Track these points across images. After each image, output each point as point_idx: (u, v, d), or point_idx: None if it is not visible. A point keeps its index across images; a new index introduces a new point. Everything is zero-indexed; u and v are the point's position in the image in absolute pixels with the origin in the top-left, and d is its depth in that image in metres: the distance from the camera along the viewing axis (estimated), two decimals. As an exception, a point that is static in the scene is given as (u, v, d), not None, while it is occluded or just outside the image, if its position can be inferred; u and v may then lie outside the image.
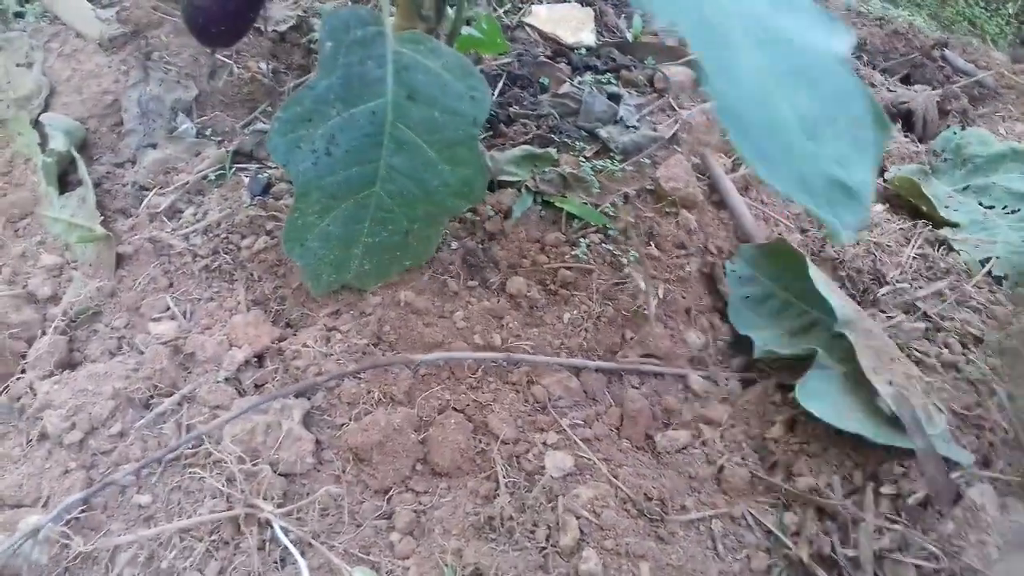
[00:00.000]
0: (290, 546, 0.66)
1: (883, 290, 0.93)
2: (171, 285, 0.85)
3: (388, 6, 0.78)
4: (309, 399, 0.75)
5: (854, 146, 0.49)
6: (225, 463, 0.71)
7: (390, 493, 0.71)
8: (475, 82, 0.75)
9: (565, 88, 1.04)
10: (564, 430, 0.76)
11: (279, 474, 0.71)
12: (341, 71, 0.71)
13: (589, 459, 0.74)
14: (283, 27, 1.09)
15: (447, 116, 0.75)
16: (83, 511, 0.69)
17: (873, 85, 1.41)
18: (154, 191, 0.93)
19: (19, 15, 1.14)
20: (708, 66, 0.44)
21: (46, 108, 0.99)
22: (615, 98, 1.01)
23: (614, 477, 0.72)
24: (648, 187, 0.93)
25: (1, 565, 0.64)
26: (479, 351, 0.79)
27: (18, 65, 1.03)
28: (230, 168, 0.94)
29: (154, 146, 0.97)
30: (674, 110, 1.05)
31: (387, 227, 0.77)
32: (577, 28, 1.22)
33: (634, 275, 0.85)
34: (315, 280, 0.79)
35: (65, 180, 0.94)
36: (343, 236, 0.76)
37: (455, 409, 0.76)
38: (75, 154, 0.93)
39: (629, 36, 1.25)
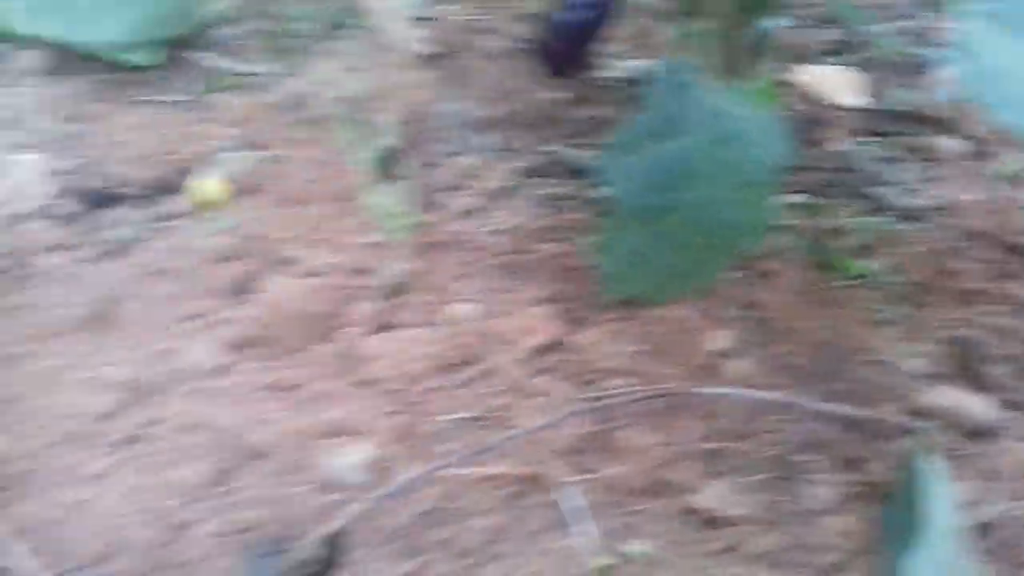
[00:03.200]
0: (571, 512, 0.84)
1: None
2: (471, 275, 1.07)
3: (708, 61, 0.97)
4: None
5: None
6: (519, 432, 0.90)
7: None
8: (776, 133, 0.93)
9: (837, 146, 1.20)
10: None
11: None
12: (661, 112, 0.91)
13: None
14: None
15: (747, 161, 0.92)
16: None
17: None
18: (458, 192, 1.16)
19: (339, 26, 1.44)
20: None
21: (367, 111, 1.26)
22: (890, 160, 1.16)
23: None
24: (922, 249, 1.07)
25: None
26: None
27: (345, 70, 1.31)
28: (525, 182, 1.16)
29: (458, 154, 1.20)
30: (949, 180, 1.19)
31: (679, 252, 0.94)
32: (847, 90, 1.38)
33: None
34: (609, 288, 0.98)
35: (385, 174, 1.19)
36: (641, 253, 0.94)
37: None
38: (396, 151, 1.18)
39: (906, 104, 1.38)
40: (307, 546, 0.79)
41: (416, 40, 1.31)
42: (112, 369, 0.98)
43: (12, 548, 0.84)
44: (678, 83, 0.89)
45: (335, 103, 1.27)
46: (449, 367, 0.96)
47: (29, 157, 1.24)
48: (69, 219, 1.18)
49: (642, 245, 0.93)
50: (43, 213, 1.19)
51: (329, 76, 1.32)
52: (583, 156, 1.18)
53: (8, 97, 1.35)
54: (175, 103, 1.38)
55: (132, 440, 0.92)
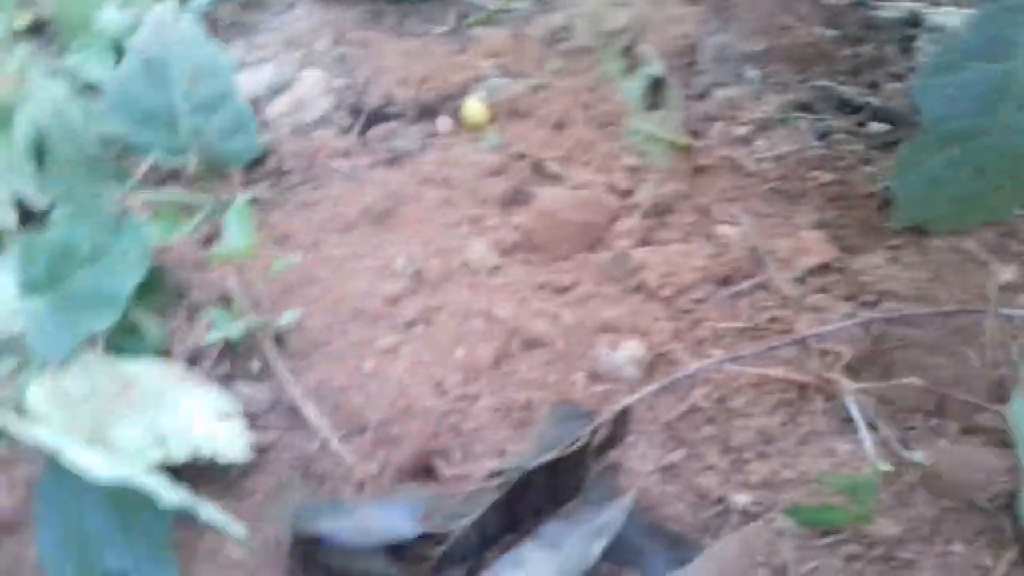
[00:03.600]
0: (858, 418, 0.85)
1: None
2: (739, 198, 1.09)
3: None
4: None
5: None
6: (797, 339, 0.92)
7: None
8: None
9: None
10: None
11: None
12: (986, 29, 0.89)
13: None
14: (844, 1, 1.31)
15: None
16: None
17: None
18: (723, 122, 1.18)
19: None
20: None
21: (633, 43, 1.30)
22: None
23: None
24: None
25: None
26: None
27: (612, 4, 1.36)
28: (794, 115, 1.17)
29: (724, 86, 1.23)
30: None
31: (982, 179, 0.92)
32: None
33: None
34: (901, 212, 0.97)
35: (649, 102, 1.23)
36: (939, 178, 0.93)
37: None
38: (661, 81, 1.22)
39: None
40: (600, 420, 0.83)
41: (678, -24, 1.34)
42: (397, 260, 1.07)
43: (306, 409, 0.94)
44: (1009, 4, 0.87)
45: (596, 35, 1.32)
46: (721, 280, 0.98)
47: (311, 73, 1.35)
48: (347, 130, 1.28)
49: (944, 169, 0.92)
50: (324, 123, 1.30)
51: (588, 9, 1.37)
52: (855, 92, 1.17)
53: (288, 20, 1.48)
54: (438, 34, 1.47)
55: (417, 322, 1.00)
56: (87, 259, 0.89)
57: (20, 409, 0.89)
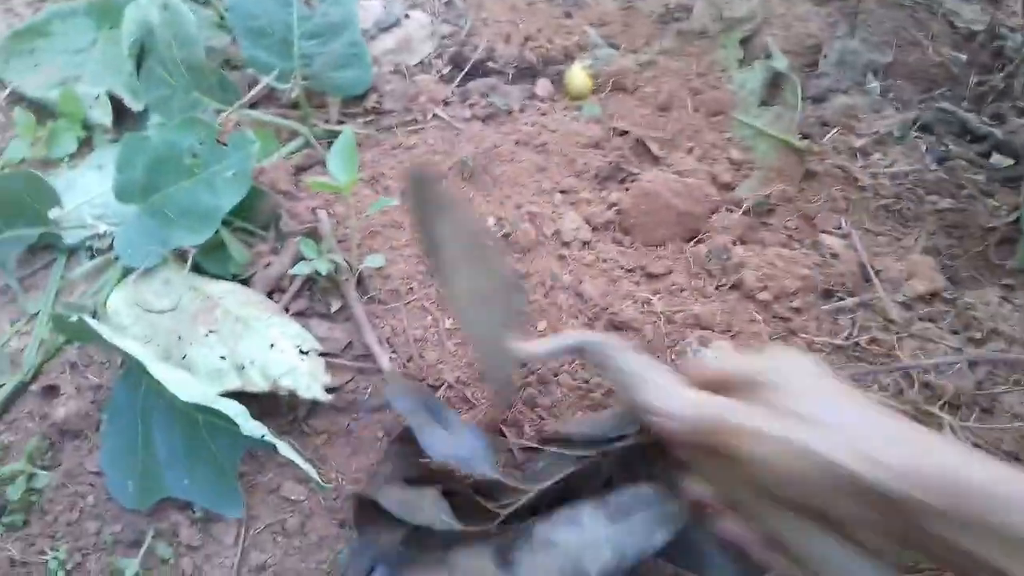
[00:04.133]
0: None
1: None
2: (848, 210, 1.05)
3: None
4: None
5: None
6: (900, 367, 0.88)
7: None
8: None
9: None
10: None
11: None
12: None
13: None
14: (977, 27, 1.25)
15: None
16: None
17: None
18: (838, 129, 1.14)
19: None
20: None
21: (754, 33, 1.25)
22: None
23: None
24: None
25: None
26: None
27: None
28: (914, 133, 1.12)
29: (843, 92, 1.18)
30: None
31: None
32: None
33: None
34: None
35: (765, 97, 1.18)
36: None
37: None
38: (785, 75, 1.17)
39: None
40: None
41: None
42: (487, 220, 1.04)
43: (381, 358, 0.91)
44: None
45: (714, 19, 1.27)
46: (822, 292, 0.95)
47: (418, 16, 1.32)
48: (447, 79, 1.25)
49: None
50: (425, 68, 1.27)
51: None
52: (979, 121, 1.12)
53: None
54: (548, -6, 1.43)
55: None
56: (187, 170, 0.86)
57: (99, 313, 0.87)
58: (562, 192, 1.08)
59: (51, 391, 0.86)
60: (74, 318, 0.73)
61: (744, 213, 1.04)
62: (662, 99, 1.18)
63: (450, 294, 0.77)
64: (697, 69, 1.23)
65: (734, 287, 0.96)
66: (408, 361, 0.91)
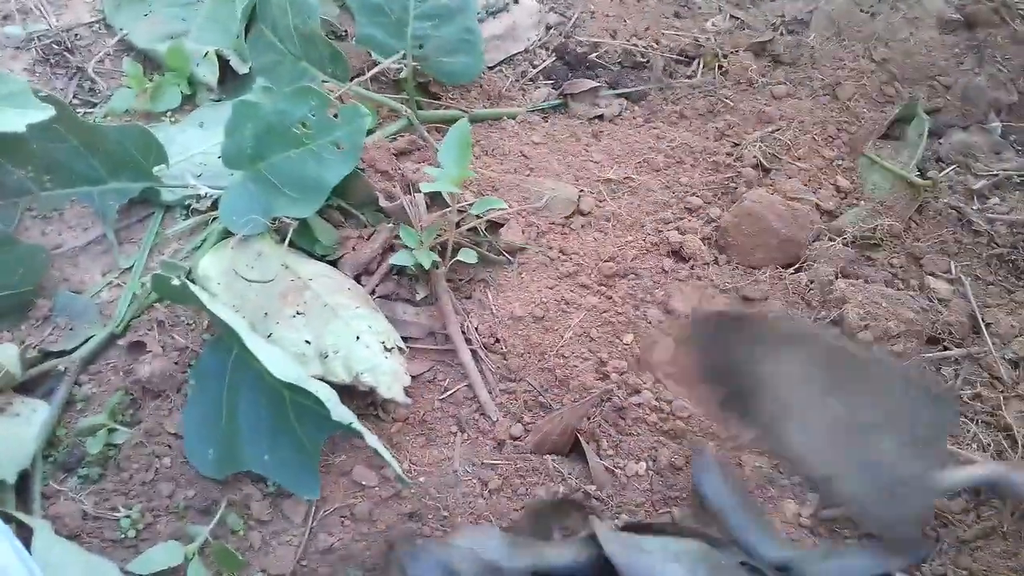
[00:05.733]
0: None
1: None
2: (959, 255, 1.01)
3: None
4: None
5: None
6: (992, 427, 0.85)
7: None
8: None
9: None
10: None
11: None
12: None
13: None
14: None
15: None
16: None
17: None
18: (955, 168, 1.10)
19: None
20: None
21: (872, 55, 1.21)
22: None
23: None
24: None
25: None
26: None
27: (859, 7, 1.26)
28: (1031, 178, 1.07)
29: (963, 130, 1.13)
30: None
31: None
32: None
33: None
34: None
35: (887, 129, 1.13)
36: None
37: None
38: (919, 110, 1.12)
39: None
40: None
41: (944, 2, 1.24)
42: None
43: (462, 352, 0.90)
44: None
45: (834, 36, 1.23)
46: (927, 338, 0.92)
47: (528, 2, 1.29)
48: (548, 72, 1.23)
49: None
50: (530, 56, 1.25)
51: (832, 6, 1.28)
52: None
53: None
54: (661, -8, 1.40)
55: (593, 291, 0.96)
56: (296, 140, 0.86)
57: (192, 275, 0.87)
58: (665, 201, 1.05)
59: (138, 347, 0.86)
60: (176, 280, 0.73)
61: (847, 244, 1.01)
62: (776, 117, 1.15)
63: (779, 445, 0.69)
64: (812, 87, 1.19)
65: (834, 322, 0.93)
66: (491, 356, 0.90)
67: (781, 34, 1.26)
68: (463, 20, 1.01)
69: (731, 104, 1.18)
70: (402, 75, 1.05)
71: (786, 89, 1.19)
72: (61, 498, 0.77)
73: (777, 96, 1.18)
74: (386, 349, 0.81)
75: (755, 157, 1.10)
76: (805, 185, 1.08)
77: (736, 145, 1.11)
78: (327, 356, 0.80)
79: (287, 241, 0.89)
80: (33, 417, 0.76)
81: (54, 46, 1.10)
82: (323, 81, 1.00)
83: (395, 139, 1.02)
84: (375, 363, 0.79)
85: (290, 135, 0.86)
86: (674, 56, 1.26)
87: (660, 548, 0.67)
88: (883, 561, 0.62)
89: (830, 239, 1.02)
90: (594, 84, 1.19)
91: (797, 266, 1.00)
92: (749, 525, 0.67)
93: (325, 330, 0.81)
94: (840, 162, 1.11)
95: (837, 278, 0.97)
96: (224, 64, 1.07)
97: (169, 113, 1.07)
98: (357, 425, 0.70)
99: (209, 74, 1.06)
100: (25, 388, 0.82)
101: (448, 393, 0.89)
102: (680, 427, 0.87)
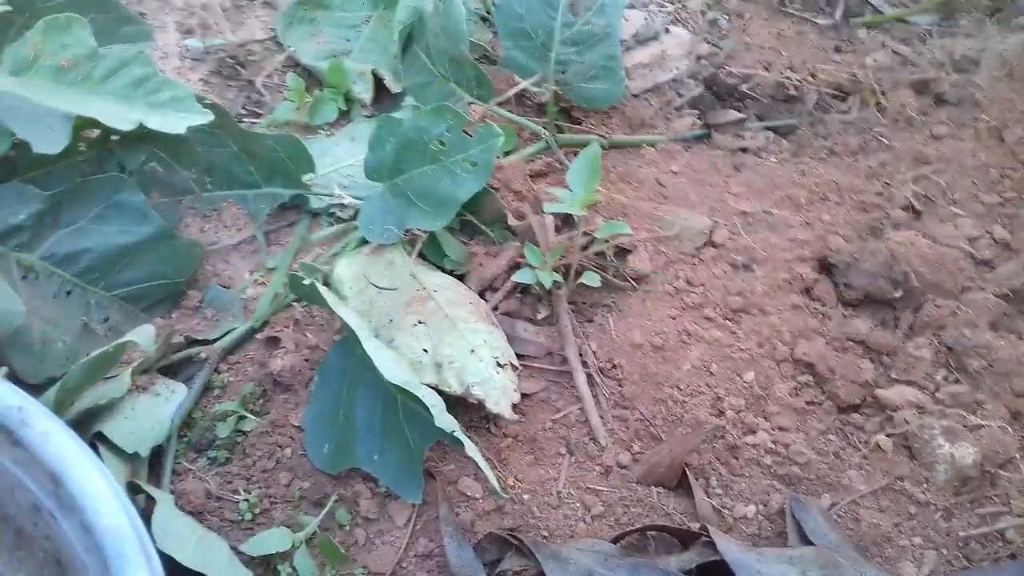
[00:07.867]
0: None
1: None
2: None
3: None
4: None
5: None
6: None
7: None
8: None
9: None
10: None
11: None
12: None
13: None
14: None
15: None
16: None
17: None
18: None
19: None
20: None
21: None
22: None
23: None
24: None
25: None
26: None
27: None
28: None
29: None
30: None
31: None
32: None
33: None
34: None
35: None
36: None
37: None
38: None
39: None
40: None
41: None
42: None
43: (577, 374, 0.90)
44: None
45: (1004, 79, 1.16)
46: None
47: (679, 31, 1.29)
48: (695, 102, 1.22)
49: None
50: (676, 86, 1.25)
51: (999, 47, 1.21)
52: None
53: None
54: (818, 24, 1.36)
55: (718, 325, 0.94)
56: (432, 156, 0.90)
57: (329, 278, 0.92)
58: (802, 238, 1.02)
59: (273, 342, 0.92)
60: (307, 281, 0.77)
61: (998, 297, 0.95)
62: (934, 154, 1.09)
63: None
64: (978, 128, 1.13)
65: (974, 377, 0.88)
66: (606, 381, 0.90)
67: (947, 72, 1.19)
68: (606, 47, 1.03)
69: (885, 142, 1.13)
70: (544, 99, 1.07)
71: (947, 129, 1.13)
72: (190, 476, 0.84)
73: (937, 136, 1.12)
74: (499, 365, 0.83)
75: (907, 198, 1.05)
76: (959, 229, 1.02)
77: (887, 185, 1.07)
78: (442, 366, 0.82)
79: (416, 252, 0.93)
80: (172, 398, 0.83)
81: (228, 60, 1.20)
82: (469, 102, 1.04)
83: (533, 161, 1.05)
84: (486, 376, 0.81)
85: (427, 151, 0.90)
86: (829, 91, 1.22)
87: (776, 556, 0.74)
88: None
89: (981, 291, 0.96)
90: (740, 116, 1.17)
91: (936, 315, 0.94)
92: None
93: (443, 341, 0.84)
94: (1001, 209, 1.04)
95: (983, 329, 0.92)
96: (379, 82, 1.13)
97: (325, 126, 1.13)
98: (459, 434, 0.73)
99: (364, 91, 1.12)
100: (170, 371, 0.89)
101: (560, 414, 0.89)
102: (796, 473, 0.84)
